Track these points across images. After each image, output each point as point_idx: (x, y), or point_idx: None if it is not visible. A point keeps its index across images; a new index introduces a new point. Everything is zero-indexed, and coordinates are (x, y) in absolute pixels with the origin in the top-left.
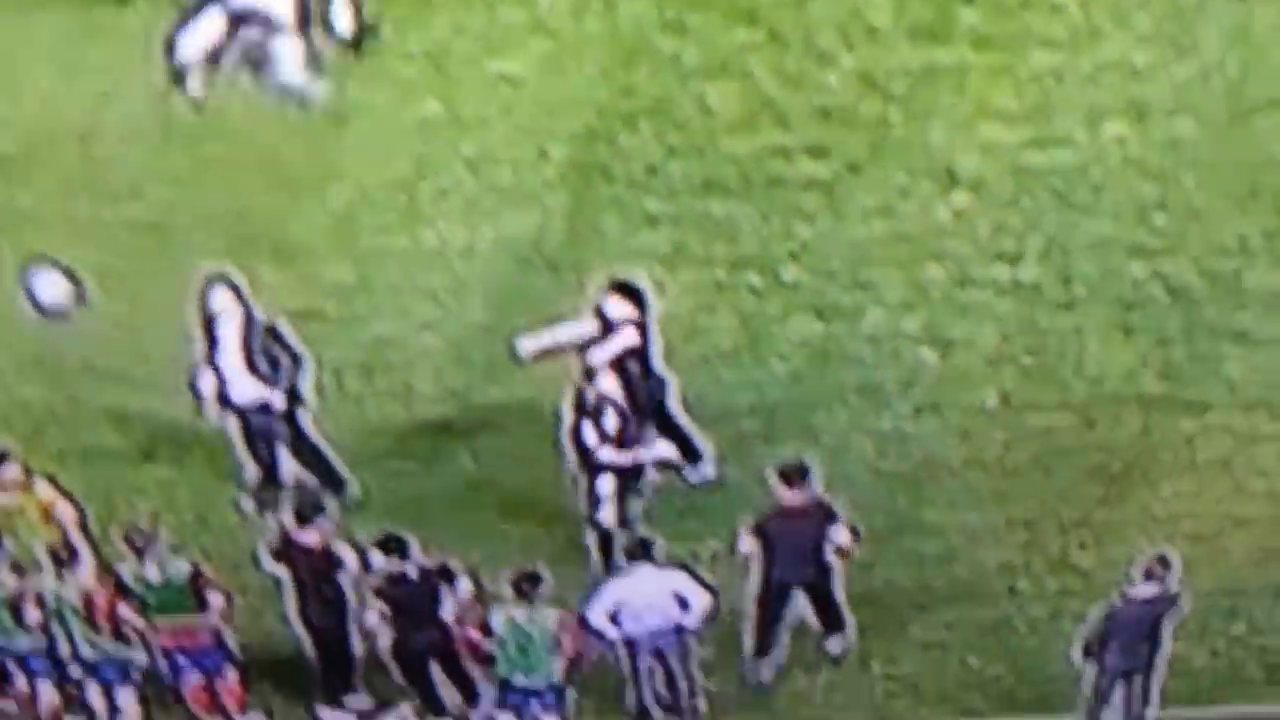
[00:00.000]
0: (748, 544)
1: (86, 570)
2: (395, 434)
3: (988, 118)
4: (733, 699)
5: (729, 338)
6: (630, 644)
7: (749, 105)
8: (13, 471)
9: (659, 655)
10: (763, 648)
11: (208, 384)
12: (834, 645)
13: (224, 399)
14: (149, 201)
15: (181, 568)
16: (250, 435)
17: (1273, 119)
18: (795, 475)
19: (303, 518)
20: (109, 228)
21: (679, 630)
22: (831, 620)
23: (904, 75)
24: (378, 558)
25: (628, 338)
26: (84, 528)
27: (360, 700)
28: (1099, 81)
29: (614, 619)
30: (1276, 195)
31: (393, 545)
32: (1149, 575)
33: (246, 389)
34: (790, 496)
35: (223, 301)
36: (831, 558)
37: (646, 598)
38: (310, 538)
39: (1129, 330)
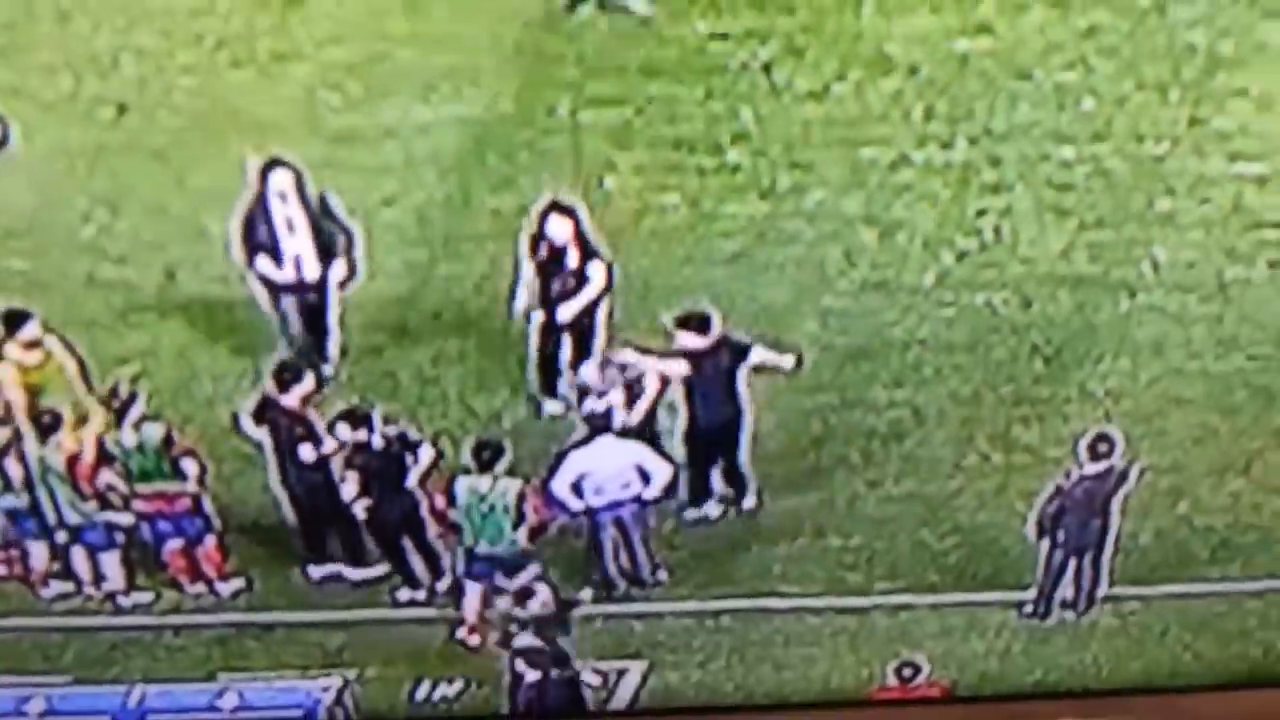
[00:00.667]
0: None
1: (92, 429)
2: (361, 308)
3: (917, 5)
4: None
5: (677, 215)
6: (592, 515)
7: None
8: (34, 330)
9: (620, 527)
10: (695, 496)
11: (264, 264)
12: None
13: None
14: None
15: (154, 432)
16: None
17: (1191, 7)
18: (693, 322)
19: (283, 382)
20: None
21: (640, 502)
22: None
23: None
24: (343, 430)
25: None
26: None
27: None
28: None
29: (576, 489)
30: (1196, 84)
31: (357, 417)
32: (1094, 452)
33: (310, 266)
34: (689, 340)
35: (282, 182)
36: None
37: (608, 469)
38: (291, 400)
39: (1059, 212)
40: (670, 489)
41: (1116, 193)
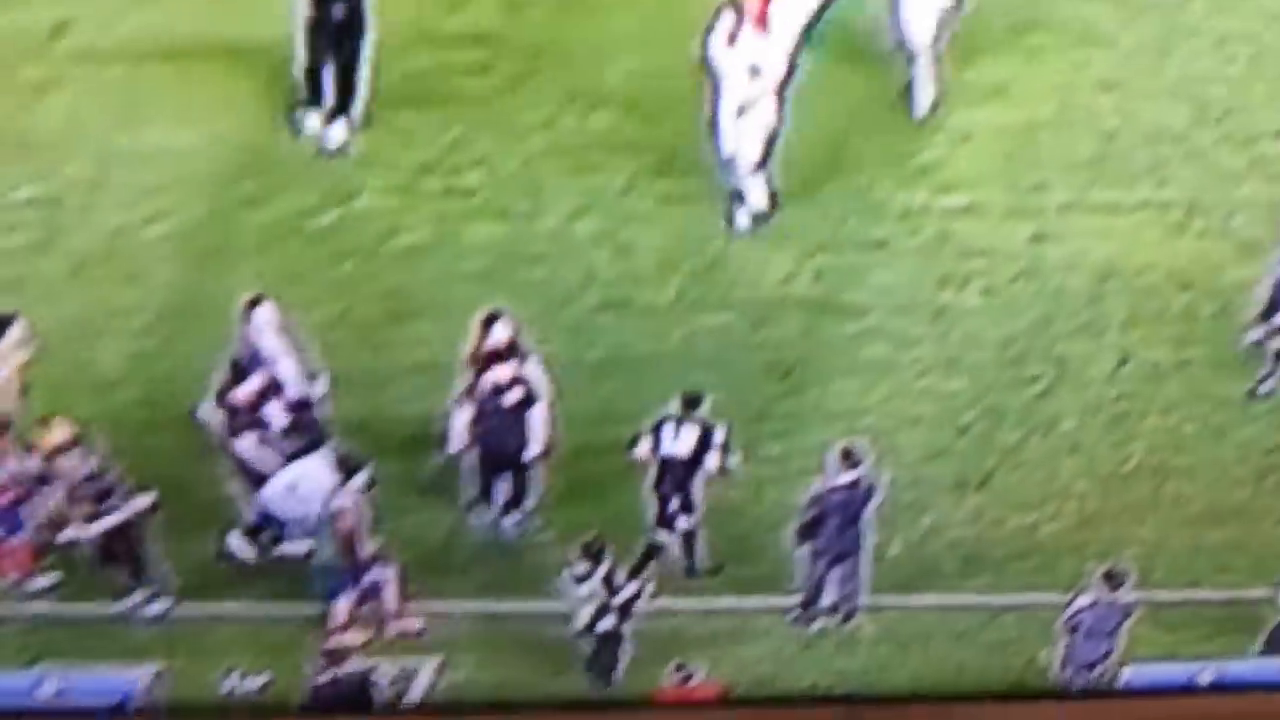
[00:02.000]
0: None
1: None
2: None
3: (627, 44)
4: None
5: (426, 236)
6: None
7: (411, 29)
8: None
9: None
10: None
11: None
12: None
13: None
14: None
15: None
16: None
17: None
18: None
19: None
20: None
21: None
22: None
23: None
24: None
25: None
26: None
27: None
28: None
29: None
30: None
31: None
32: (843, 463)
33: None
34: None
35: None
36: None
37: (313, 482)
38: None
39: (781, 237)
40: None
41: (830, 220)
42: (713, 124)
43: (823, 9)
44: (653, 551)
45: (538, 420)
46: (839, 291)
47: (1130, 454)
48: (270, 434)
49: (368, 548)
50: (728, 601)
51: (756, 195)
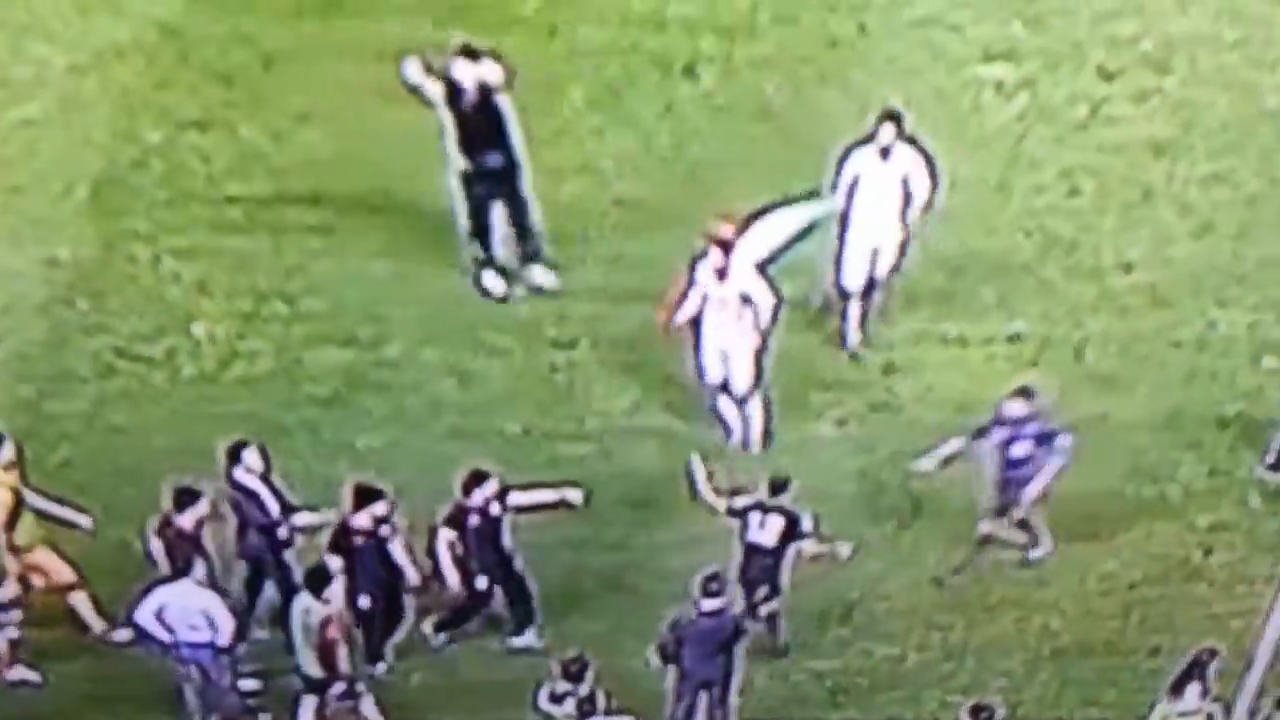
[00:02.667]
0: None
1: None
2: None
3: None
4: None
5: (266, 362)
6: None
7: (241, 156)
8: None
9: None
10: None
11: None
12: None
13: None
14: None
15: None
16: None
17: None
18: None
19: None
20: None
21: (214, 647)
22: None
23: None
24: None
25: None
26: None
27: None
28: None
29: (160, 621)
30: None
31: None
32: (705, 590)
33: None
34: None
35: None
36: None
37: (182, 609)
38: None
39: (628, 369)
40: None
41: (678, 355)
42: None
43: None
44: None
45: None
46: (694, 422)
47: (992, 586)
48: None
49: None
50: None
51: None
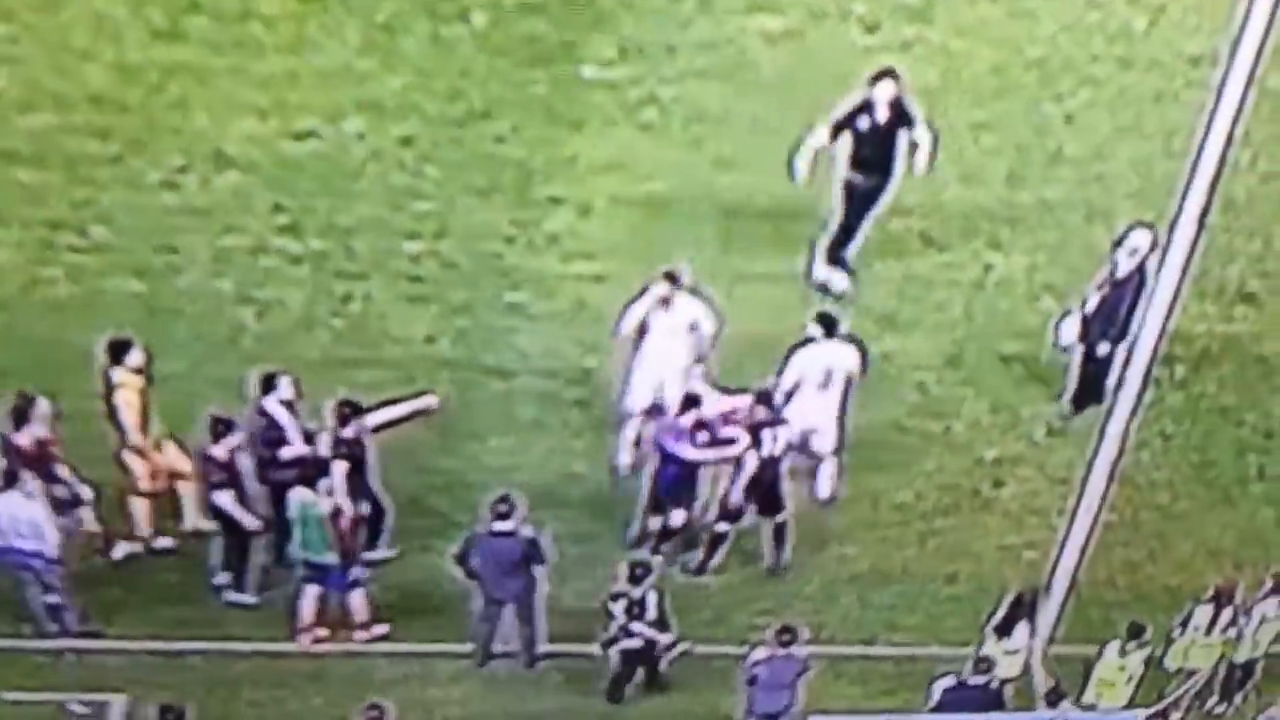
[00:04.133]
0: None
1: None
2: None
3: (241, 110)
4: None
5: (64, 289)
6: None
7: (28, 89)
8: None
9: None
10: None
11: None
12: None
13: None
14: None
15: None
16: None
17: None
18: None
19: None
20: None
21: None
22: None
23: (155, 70)
24: None
25: None
26: None
27: None
28: (330, 84)
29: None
30: (517, 189)
31: None
32: (496, 513)
33: None
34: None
35: None
36: None
37: (11, 518)
38: None
39: (417, 300)
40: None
41: (466, 285)
42: None
43: None
44: None
45: None
46: (484, 353)
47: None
48: None
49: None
50: (412, 646)
51: None
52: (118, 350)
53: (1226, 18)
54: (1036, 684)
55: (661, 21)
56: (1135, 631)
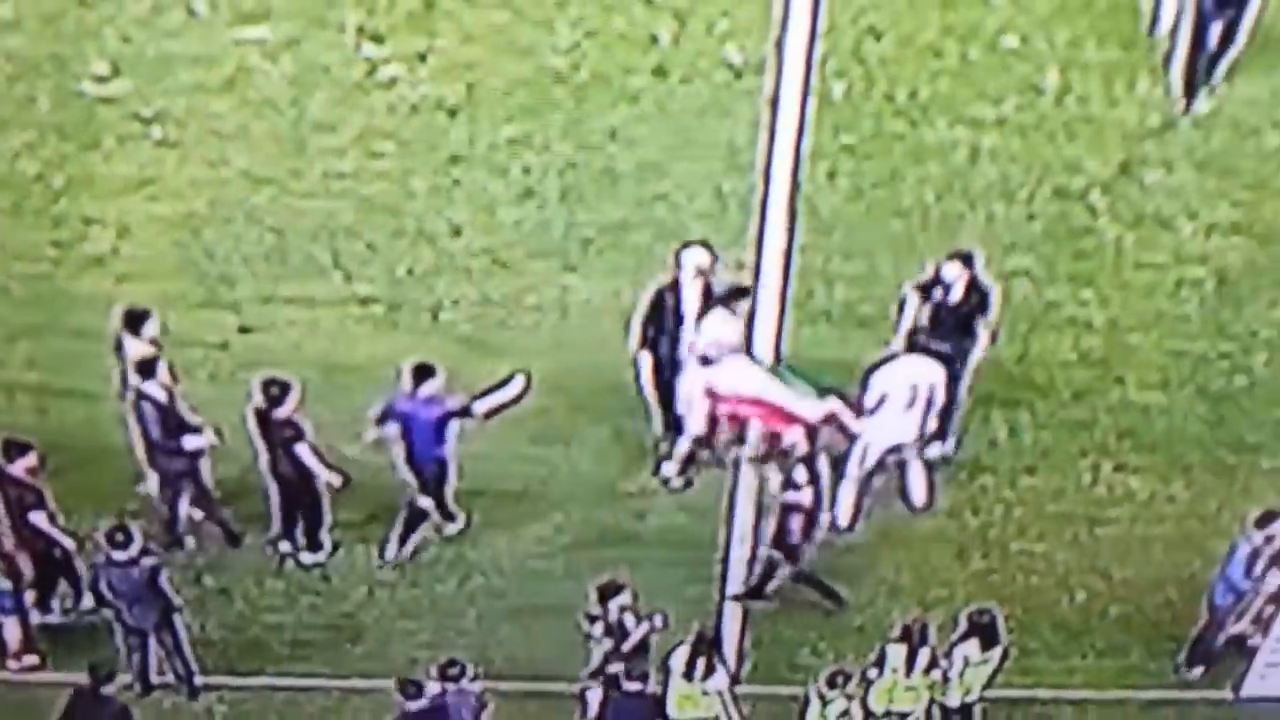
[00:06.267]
0: None
1: None
2: None
3: None
4: None
5: None
6: None
7: None
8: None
9: None
10: None
11: None
12: None
13: None
14: None
15: None
16: None
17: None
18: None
19: None
20: None
21: None
22: None
23: None
24: None
25: None
26: None
27: None
28: None
29: None
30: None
31: None
32: (113, 542)
33: None
34: None
35: None
36: None
37: None
38: None
39: None
40: None
41: (23, 309)
42: None
43: None
44: None
45: None
46: (56, 376)
47: (429, 549)
48: None
49: None
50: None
51: None
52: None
53: (763, 22)
54: None
55: (149, 33)
56: (830, 680)
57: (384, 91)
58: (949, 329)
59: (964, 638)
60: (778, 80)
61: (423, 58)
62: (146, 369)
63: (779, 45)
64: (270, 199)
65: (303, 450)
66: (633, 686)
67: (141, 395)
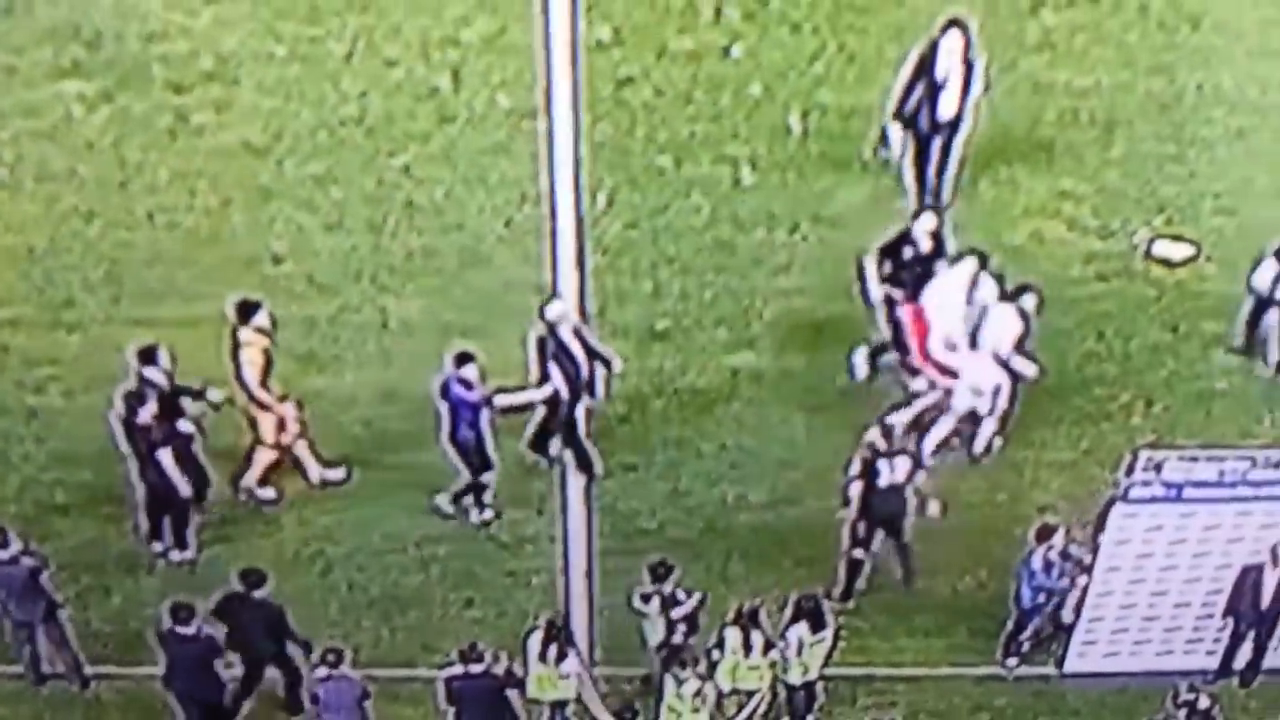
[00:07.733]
0: None
1: None
2: None
3: None
4: None
5: None
6: None
7: None
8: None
9: None
10: None
11: None
12: None
13: None
14: None
15: None
16: None
17: None
18: None
19: None
20: None
21: None
22: None
23: None
24: None
25: None
26: None
27: None
28: None
29: None
30: None
31: None
32: None
33: None
34: None
35: None
36: None
37: None
38: None
39: None
40: None
41: None
42: None
43: None
44: None
45: None
46: None
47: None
48: None
49: None
50: None
51: None
52: (246, 311)
53: (527, 73)
54: (595, 711)
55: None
56: (680, 661)
57: (194, 138)
58: None
59: (793, 620)
60: (550, 124)
61: (225, 106)
62: None
63: (547, 94)
64: (99, 232)
65: (164, 456)
66: (478, 668)
67: None
